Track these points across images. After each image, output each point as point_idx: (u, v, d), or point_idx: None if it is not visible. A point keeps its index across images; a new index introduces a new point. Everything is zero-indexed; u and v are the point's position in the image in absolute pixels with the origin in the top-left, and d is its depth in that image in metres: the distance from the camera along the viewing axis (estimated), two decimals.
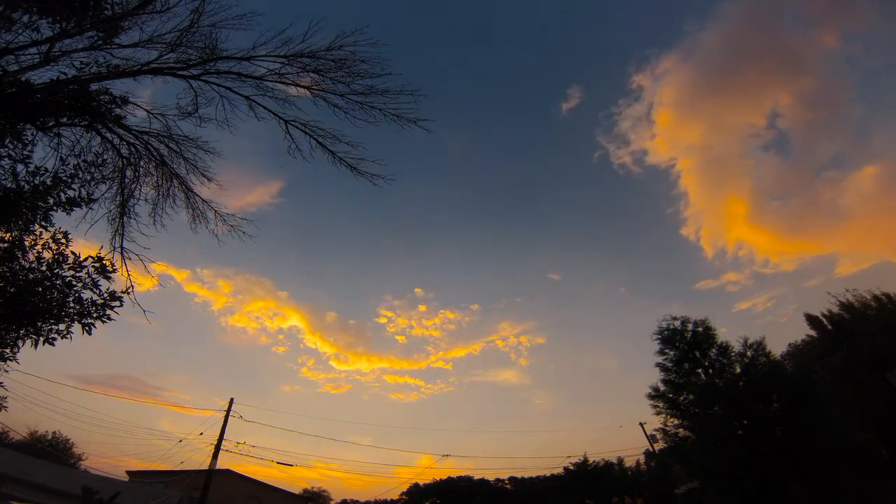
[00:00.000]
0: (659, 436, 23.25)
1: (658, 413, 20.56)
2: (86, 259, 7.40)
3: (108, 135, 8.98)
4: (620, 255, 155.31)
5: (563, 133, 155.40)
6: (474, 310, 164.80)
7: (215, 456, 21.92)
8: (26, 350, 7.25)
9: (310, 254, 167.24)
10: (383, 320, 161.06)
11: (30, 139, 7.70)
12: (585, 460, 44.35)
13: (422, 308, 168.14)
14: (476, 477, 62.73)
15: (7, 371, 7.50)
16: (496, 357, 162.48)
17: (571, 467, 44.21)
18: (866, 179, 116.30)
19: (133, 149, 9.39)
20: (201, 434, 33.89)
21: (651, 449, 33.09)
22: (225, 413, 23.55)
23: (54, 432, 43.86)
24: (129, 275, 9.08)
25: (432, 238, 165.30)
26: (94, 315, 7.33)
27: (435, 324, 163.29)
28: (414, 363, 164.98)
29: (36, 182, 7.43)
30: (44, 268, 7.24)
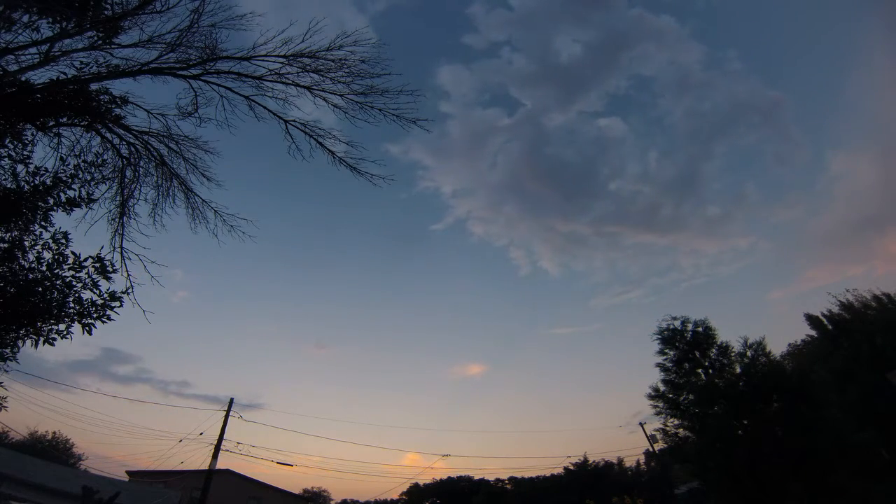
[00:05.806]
0: (659, 436, 23.23)
1: (658, 413, 20.57)
2: (86, 259, 7.38)
3: (108, 135, 8.98)
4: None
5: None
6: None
7: (215, 456, 21.89)
8: (25, 349, 7.25)
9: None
10: None
11: (30, 139, 7.71)
12: (585, 460, 44.33)
13: None
14: (476, 477, 62.79)
15: (7, 371, 7.50)
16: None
17: (571, 467, 44.16)
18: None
19: (133, 149, 9.39)
20: (201, 434, 33.91)
21: (651, 449, 33.08)
22: (225, 413, 23.53)
23: (54, 432, 43.85)
24: (128, 275, 9.08)
25: None
26: (94, 315, 7.31)
27: None
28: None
29: (36, 182, 7.43)
30: (44, 268, 7.23)
